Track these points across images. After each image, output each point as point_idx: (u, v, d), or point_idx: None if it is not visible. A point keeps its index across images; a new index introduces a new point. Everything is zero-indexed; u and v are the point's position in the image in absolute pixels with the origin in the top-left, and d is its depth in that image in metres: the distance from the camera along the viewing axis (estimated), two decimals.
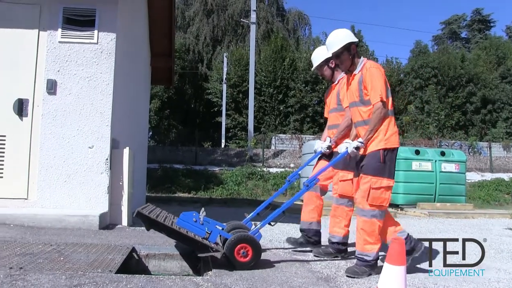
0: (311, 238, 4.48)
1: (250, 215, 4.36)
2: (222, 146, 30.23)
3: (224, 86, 31.85)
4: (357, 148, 3.65)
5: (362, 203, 3.62)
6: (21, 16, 5.33)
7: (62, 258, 3.42)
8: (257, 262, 3.53)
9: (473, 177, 18.91)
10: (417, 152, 10.64)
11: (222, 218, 4.38)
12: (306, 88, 29.43)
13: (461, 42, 48.32)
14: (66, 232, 4.59)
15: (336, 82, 4.62)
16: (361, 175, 3.68)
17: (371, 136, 3.63)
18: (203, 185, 14.82)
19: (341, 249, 4.30)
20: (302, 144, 21.12)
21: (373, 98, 3.62)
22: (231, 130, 31.95)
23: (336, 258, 4.24)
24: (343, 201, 4.29)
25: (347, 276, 3.50)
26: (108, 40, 5.38)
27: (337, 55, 3.88)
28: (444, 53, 35.55)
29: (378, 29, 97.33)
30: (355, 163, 3.86)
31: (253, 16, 23.85)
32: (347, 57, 3.85)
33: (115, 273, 3.09)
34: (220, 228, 3.86)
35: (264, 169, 17.74)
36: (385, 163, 3.60)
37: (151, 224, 3.62)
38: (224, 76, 32.08)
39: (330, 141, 4.47)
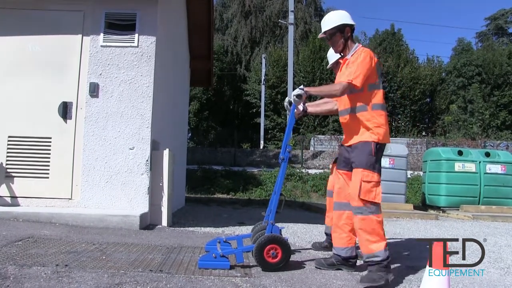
0: None
1: (267, 212, 4.29)
2: (261, 147, 30.32)
3: (263, 87, 31.95)
4: (299, 96, 3.56)
5: (355, 199, 3.38)
6: (65, 22, 5.50)
7: (104, 257, 3.50)
8: (287, 263, 3.47)
9: None
10: (460, 153, 10.33)
11: (261, 219, 4.38)
12: None
13: (508, 38, 46.73)
14: (108, 232, 4.70)
15: None
16: (353, 169, 3.51)
17: (313, 92, 3.64)
18: (242, 186, 14.87)
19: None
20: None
21: (343, 77, 3.50)
22: (270, 131, 32.01)
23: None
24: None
25: (364, 287, 3.18)
26: (148, 43, 5.47)
27: (329, 35, 3.73)
28: (489, 50, 34.58)
29: (419, 27, 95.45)
30: (343, 156, 3.72)
31: (291, 17, 23.77)
32: (339, 38, 3.70)
33: (155, 272, 3.14)
34: (248, 238, 3.88)
35: (303, 170, 17.64)
36: (376, 156, 3.43)
37: None
38: (263, 77, 32.19)
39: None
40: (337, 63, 4.56)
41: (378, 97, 3.53)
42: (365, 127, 3.49)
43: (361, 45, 3.67)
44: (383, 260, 3.24)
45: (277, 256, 3.42)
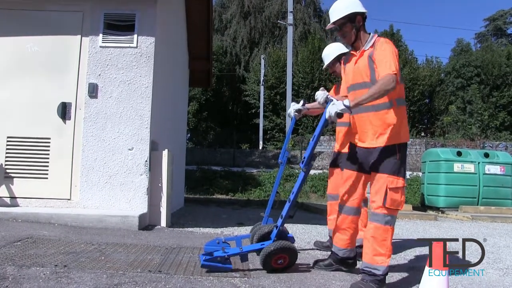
0: None
1: (266, 213, 4.34)
2: (260, 147, 30.32)
3: (262, 88, 31.97)
4: (339, 115, 3.05)
5: (378, 207, 3.15)
6: (64, 23, 5.49)
7: (103, 258, 3.50)
8: (291, 266, 3.49)
9: None
10: (459, 154, 10.33)
11: (260, 219, 4.39)
12: None
13: (507, 38, 46.79)
14: (107, 232, 4.70)
15: None
16: (372, 173, 3.24)
17: (364, 102, 3.04)
18: (241, 186, 14.85)
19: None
20: None
21: (384, 70, 3.08)
22: (268, 132, 32.00)
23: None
24: None
25: None
26: (147, 44, 5.47)
27: (339, 26, 3.38)
28: (488, 51, 34.57)
29: (418, 28, 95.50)
30: (355, 156, 3.41)
31: (290, 18, 23.79)
32: (350, 29, 3.35)
33: (154, 273, 3.14)
34: (247, 239, 3.89)
35: None
36: (400, 160, 3.16)
37: None
38: (262, 78, 32.21)
39: (302, 105, 4.14)
40: (338, 60, 4.56)
41: (402, 91, 3.30)
42: (387, 125, 3.18)
43: (376, 35, 3.38)
44: (382, 274, 3.11)
45: (284, 263, 3.43)
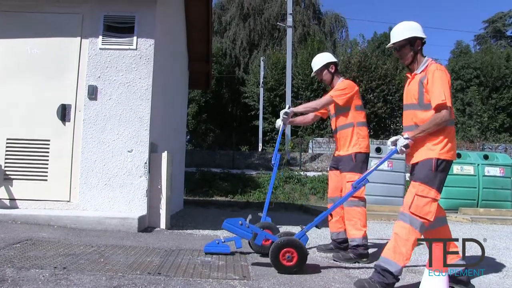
0: (340, 245, 4.58)
1: (263, 213, 4.49)
2: (259, 149, 30.28)
3: (261, 90, 31.95)
4: (406, 146, 3.30)
5: (405, 208, 3.25)
6: (64, 25, 5.50)
7: (102, 260, 3.50)
8: (302, 268, 3.49)
9: None
10: (459, 156, 10.32)
11: (259, 221, 4.39)
12: None
13: (506, 40, 46.85)
14: (106, 234, 4.69)
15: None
16: (411, 182, 3.36)
17: (420, 136, 3.28)
18: (240, 188, 14.81)
19: (362, 253, 4.23)
20: None
21: (436, 99, 3.24)
22: (268, 134, 31.97)
23: (357, 264, 4.19)
24: (353, 202, 4.28)
25: None
26: (146, 46, 5.47)
27: (399, 47, 3.57)
28: (487, 53, 34.58)
29: None
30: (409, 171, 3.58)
31: (289, 20, 23.83)
32: (408, 51, 3.53)
33: (153, 275, 3.14)
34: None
35: (302, 173, 17.59)
36: (437, 172, 3.24)
37: None
38: (261, 80, 32.20)
39: (288, 108, 4.59)
40: (326, 68, 4.65)
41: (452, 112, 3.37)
42: (430, 143, 3.31)
43: (431, 59, 3.52)
44: (393, 275, 3.10)
45: (292, 260, 3.46)
